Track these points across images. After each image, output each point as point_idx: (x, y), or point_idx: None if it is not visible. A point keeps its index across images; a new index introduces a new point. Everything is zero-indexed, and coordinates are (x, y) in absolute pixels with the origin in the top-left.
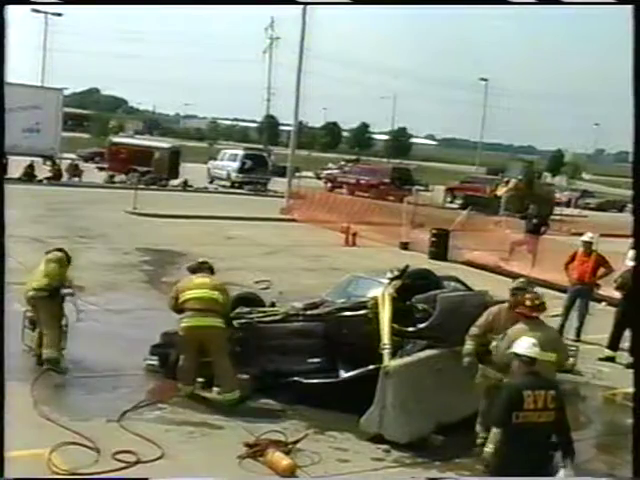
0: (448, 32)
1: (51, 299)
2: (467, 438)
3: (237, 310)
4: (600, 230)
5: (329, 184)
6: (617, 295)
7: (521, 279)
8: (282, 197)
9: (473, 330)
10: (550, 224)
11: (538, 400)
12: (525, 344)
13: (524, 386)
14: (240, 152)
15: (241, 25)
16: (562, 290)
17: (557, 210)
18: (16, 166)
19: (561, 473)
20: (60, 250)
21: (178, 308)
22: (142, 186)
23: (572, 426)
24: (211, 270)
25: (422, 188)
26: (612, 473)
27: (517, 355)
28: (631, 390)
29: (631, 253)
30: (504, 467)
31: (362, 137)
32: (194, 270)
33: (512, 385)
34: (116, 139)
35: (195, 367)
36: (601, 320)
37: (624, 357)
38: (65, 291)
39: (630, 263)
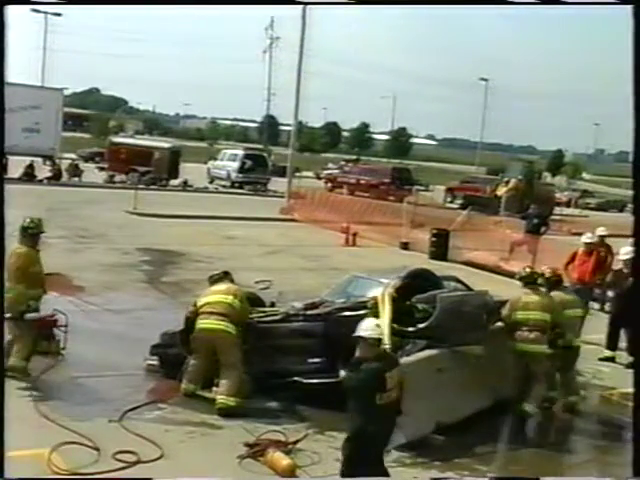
0: (448, 32)
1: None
2: (467, 438)
3: None
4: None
5: (329, 184)
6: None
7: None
8: (282, 197)
9: None
10: (550, 224)
11: (393, 379)
12: (368, 325)
13: (384, 369)
14: (240, 152)
15: (241, 25)
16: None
17: (557, 210)
18: (16, 166)
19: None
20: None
21: (197, 314)
22: (142, 186)
23: (572, 425)
24: (232, 282)
25: (422, 188)
26: (612, 473)
27: (362, 338)
28: (630, 390)
29: (623, 250)
30: (367, 447)
31: (362, 137)
32: (215, 281)
33: (375, 369)
34: (116, 139)
35: (203, 369)
36: (601, 320)
37: (624, 357)
38: (30, 316)
39: (623, 257)
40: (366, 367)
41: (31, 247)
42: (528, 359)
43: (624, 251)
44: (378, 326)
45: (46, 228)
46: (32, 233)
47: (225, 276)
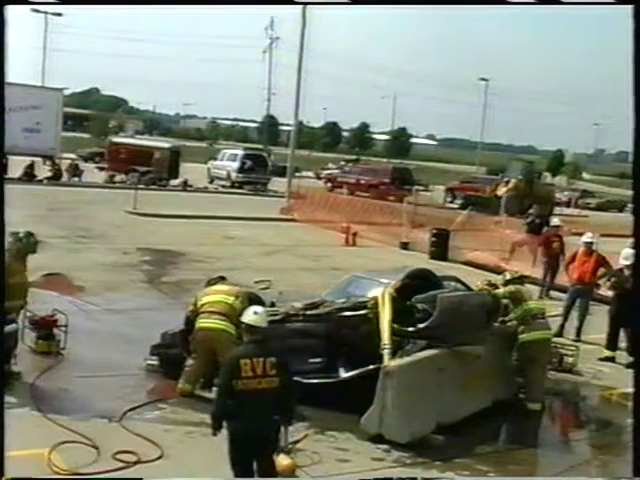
0: (448, 32)
1: None
2: (467, 438)
3: None
4: (600, 230)
5: (329, 184)
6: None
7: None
8: (282, 197)
9: None
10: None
11: (257, 367)
12: (248, 311)
13: (242, 355)
14: (240, 152)
15: (241, 25)
16: (562, 290)
17: (557, 210)
18: (16, 166)
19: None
20: None
21: (197, 314)
22: (142, 186)
23: (572, 425)
24: None
25: (422, 188)
26: (612, 473)
27: (243, 323)
28: (630, 390)
29: (625, 252)
30: (234, 430)
31: (362, 137)
32: (211, 285)
33: (232, 354)
34: (116, 139)
35: (201, 369)
36: (601, 320)
37: (624, 357)
38: (8, 328)
39: (624, 262)
40: (232, 351)
41: (17, 259)
42: (539, 348)
43: (624, 255)
44: (255, 313)
45: (47, 228)
46: (24, 250)
47: (221, 281)
